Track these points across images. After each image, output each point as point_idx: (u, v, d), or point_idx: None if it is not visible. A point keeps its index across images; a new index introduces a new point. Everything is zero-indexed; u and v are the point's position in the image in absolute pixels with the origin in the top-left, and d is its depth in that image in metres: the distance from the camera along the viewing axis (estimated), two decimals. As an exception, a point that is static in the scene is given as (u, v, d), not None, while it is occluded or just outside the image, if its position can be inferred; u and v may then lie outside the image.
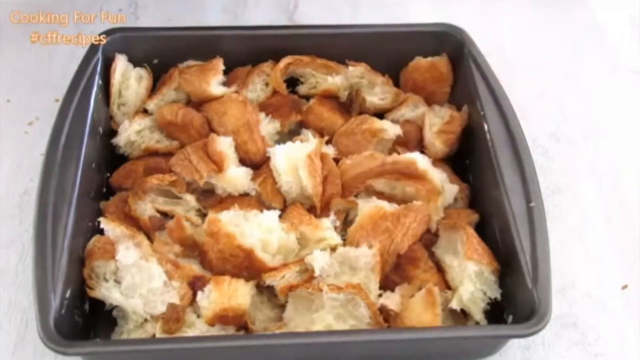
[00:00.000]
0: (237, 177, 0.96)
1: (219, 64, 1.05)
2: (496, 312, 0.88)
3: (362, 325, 0.84)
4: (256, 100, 1.06)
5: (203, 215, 0.95)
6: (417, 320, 0.84)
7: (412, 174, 0.94)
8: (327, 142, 1.01)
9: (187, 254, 0.91)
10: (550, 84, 1.22)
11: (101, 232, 0.90)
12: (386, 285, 0.89)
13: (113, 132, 1.03)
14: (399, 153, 0.99)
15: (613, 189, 1.08)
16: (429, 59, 1.09)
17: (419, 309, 0.84)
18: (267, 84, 1.08)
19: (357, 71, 1.06)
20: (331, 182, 0.96)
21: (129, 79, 1.05)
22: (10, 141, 1.10)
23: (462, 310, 0.87)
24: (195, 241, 0.91)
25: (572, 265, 0.99)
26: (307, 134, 1.01)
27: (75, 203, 0.87)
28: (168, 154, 1.01)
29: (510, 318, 0.86)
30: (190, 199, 0.96)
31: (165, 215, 0.95)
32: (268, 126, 1.03)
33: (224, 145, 0.98)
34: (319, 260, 0.87)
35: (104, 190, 1.00)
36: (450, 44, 1.07)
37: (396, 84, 1.10)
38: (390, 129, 1.02)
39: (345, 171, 0.97)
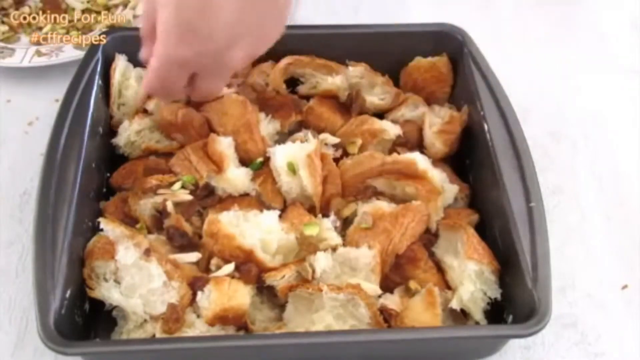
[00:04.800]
0: (237, 178, 0.96)
1: (219, 64, 1.05)
2: (496, 312, 0.88)
3: (362, 325, 0.84)
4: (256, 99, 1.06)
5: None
6: (417, 320, 0.84)
7: (412, 174, 0.94)
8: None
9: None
10: (550, 83, 1.22)
11: (101, 232, 0.90)
12: (386, 285, 0.89)
13: (113, 132, 1.03)
14: (399, 153, 0.99)
15: (613, 189, 1.08)
16: (429, 59, 1.08)
17: (419, 309, 0.84)
18: (267, 84, 1.08)
19: (357, 71, 1.06)
20: (331, 182, 0.96)
21: (129, 79, 1.05)
22: (10, 141, 1.10)
23: (462, 310, 0.87)
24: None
25: (572, 265, 0.99)
26: (307, 134, 1.01)
27: (75, 203, 0.87)
28: (168, 154, 1.01)
29: (510, 318, 0.86)
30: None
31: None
32: (268, 126, 1.03)
33: (224, 145, 0.98)
34: (320, 261, 0.86)
35: (104, 190, 1.00)
36: (450, 44, 1.07)
37: (396, 84, 1.10)
38: (390, 129, 1.02)
39: (345, 171, 0.97)
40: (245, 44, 0.79)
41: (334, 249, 0.89)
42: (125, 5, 1.27)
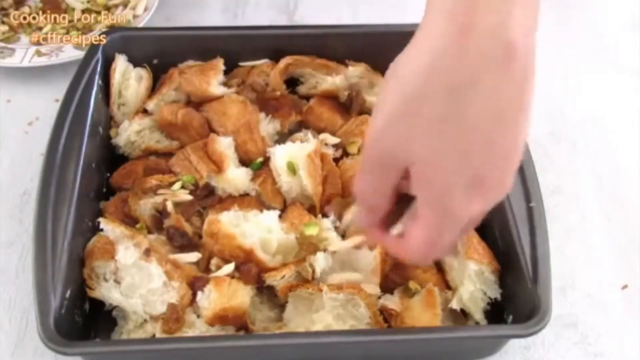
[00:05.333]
0: (237, 178, 0.96)
1: (219, 64, 1.05)
2: (496, 312, 0.88)
3: (362, 325, 0.84)
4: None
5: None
6: (417, 320, 0.84)
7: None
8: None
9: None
10: (550, 84, 1.22)
11: (101, 232, 0.90)
12: (386, 285, 0.89)
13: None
14: (399, 153, 0.99)
15: (613, 189, 1.08)
16: (429, 59, 1.08)
17: (419, 309, 0.84)
18: (267, 84, 1.08)
19: (357, 71, 1.06)
20: (331, 182, 0.96)
21: (129, 79, 1.05)
22: (10, 141, 1.10)
23: (462, 310, 0.87)
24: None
25: (572, 265, 0.99)
26: (307, 134, 1.01)
27: (75, 203, 0.87)
28: (168, 154, 1.01)
29: (510, 318, 0.86)
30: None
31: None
32: (268, 126, 1.03)
33: (224, 145, 0.98)
34: (320, 261, 0.86)
35: (104, 190, 1.00)
36: (450, 44, 1.07)
37: (396, 84, 1.09)
38: (390, 129, 1.01)
39: (345, 171, 0.97)
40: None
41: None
42: (125, 5, 1.27)
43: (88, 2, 1.27)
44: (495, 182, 0.60)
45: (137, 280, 0.84)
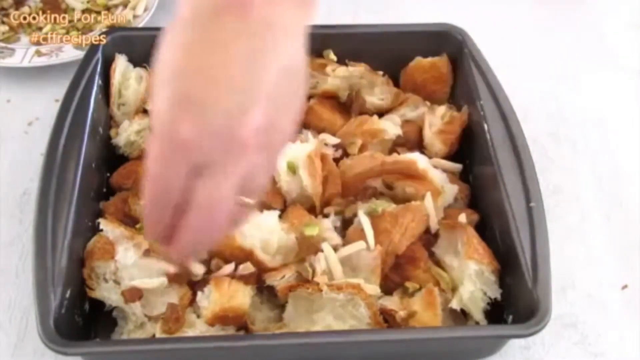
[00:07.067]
0: (237, 177, 0.96)
1: (219, 64, 1.05)
2: (496, 312, 0.88)
3: (362, 325, 0.84)
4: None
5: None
6: (417, 320, 0.84)
7: (412, 174, 0.94)
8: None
9: (187, 254, 0.91)
10: (550, 84, 1.22)
11: (101, 232, 0.90)
12: (386, 285, 0.89)
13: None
14: (399, 153, 0.99)
15: (613, 189, 1.08)
16: (429, 59, 1.08)
17: (419, 309, 0.84)
18: (267, 84, 1.07)
19: (357, 71, 1.06)
20: (331, 182, 0.96)
21: (129, 79, 1.06)
22: (10, 141, 1.10)
23: (462, 310, 0.87)
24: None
25: (572, 265, 0.99)
26: (307, 134, 1.01)
27: (75, 203, 0.87)
28: (168, 154, 1.01)
29: (510, 318, 0.86)
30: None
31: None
32: (268, 126, 1.03)
33: (224, 145, 0.97)
34: (321, 261, 0.86)
35: (104, 190, 1.00)
36: (450, 44, 1.07)
37: (396, 84, 1.10)
38: (390, 129, 1.01)
39: (345, 171, 0.97)
40: (260, 112, 0.62)
41: (334, 249, 0.89)
42: (125, 5, 1.27)
43: (88, 2, 1.28)
44: (202, 102, 0.60)
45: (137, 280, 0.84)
